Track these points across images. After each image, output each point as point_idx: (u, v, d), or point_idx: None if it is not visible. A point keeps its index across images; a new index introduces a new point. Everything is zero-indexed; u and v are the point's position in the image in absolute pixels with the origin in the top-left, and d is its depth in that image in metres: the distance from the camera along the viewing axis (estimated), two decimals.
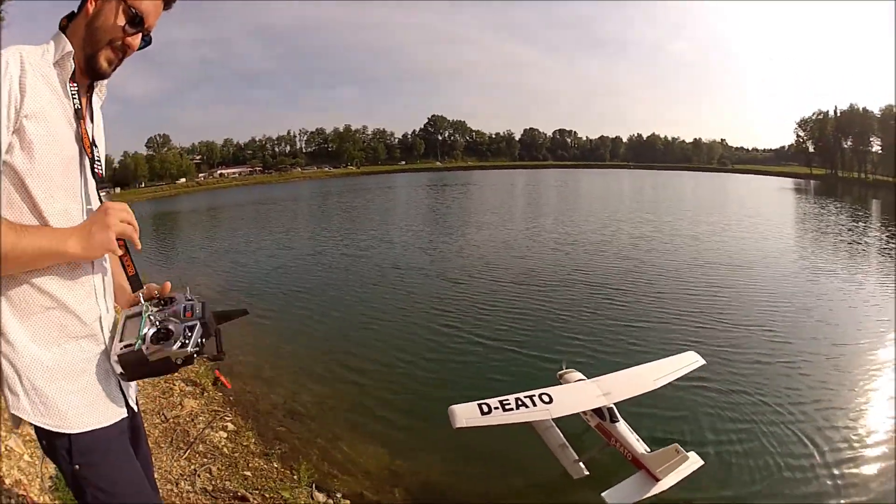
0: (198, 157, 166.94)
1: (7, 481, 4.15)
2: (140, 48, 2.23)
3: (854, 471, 7.49)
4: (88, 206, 2.18)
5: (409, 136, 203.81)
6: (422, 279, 18.68)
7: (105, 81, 2.36)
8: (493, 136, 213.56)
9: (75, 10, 2.15)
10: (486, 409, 6.66)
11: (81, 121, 2.13)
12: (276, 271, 21.24)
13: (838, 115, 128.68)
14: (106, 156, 2.51)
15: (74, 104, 2.11)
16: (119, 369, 2.10)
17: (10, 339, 1.97)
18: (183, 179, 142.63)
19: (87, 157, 2.17)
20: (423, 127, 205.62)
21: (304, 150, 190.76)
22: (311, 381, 10.50)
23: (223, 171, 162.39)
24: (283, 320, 14.58)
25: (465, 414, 6.60)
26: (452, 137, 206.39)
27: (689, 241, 25.68)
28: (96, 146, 2.24)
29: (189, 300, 2.19)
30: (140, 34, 2.17)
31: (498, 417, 6.62)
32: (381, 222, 36.47)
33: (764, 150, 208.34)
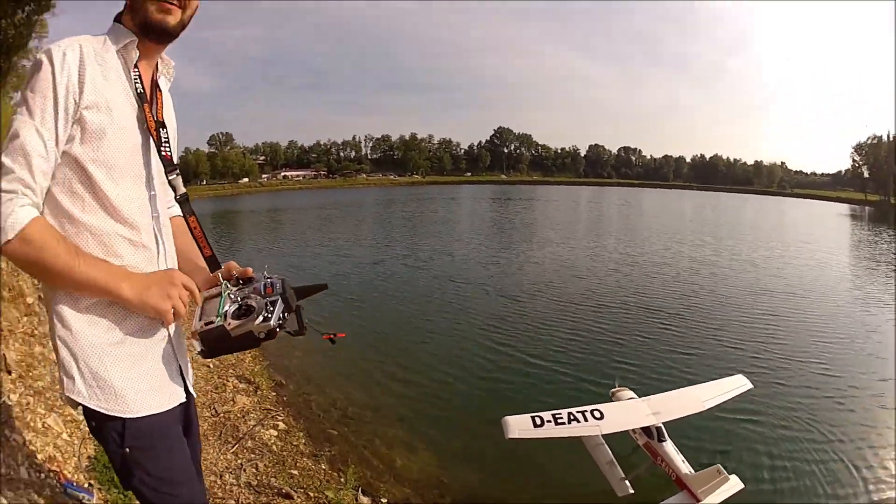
0: (261, 158, 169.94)
1: (40, 457, 4.18)
2: None
3: None
4: (152, 193, 2.17)
5: (475, 148, 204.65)
6: (480, 294, 18.49)
7: (172, 64, 2.34)
8: (559, 151, 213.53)
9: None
10: (538, 421, 6.69)
11: (146, 104, 2.11)
12: (334, 278, 21.27)
13: (892, 139, 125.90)
14: None
15: (137, 89, 2.09)
16: (199, 346, 2.10)
17: (68, 323, 1.96)
18: (245, 179, 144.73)
19: (153, 141, 2.13)
20: (489, 139, 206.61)
21: (369, 157, 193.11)
22: (365, 388, 10.51)
23: (287, 174, 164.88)
24: (340, 327, 14.55)
25: (519, 425, 6.65)
26: (518, 151, 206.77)
27: (747, 266, 25.12)
28: (164, 128, 2.19)
29: (268, 278, 2.18)
30: None
31: (550, 430, 6.64)
32: (442, 234, 36.29)
33: (822, 175, 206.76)
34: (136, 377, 2.06)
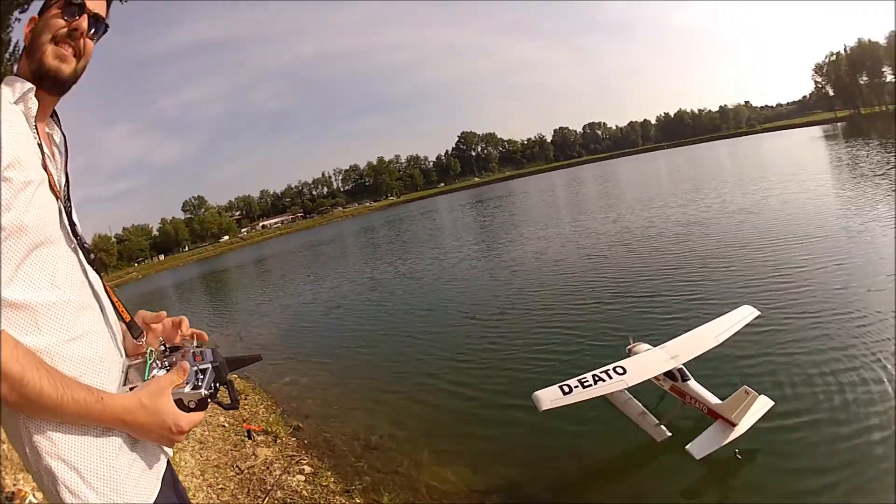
0: (237, 213, 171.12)
1: None
2: (100, 34, 1.98)
3: None
4: (72, 246, 1.85)
5: (444, 157, 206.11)
6: (465, 309, 17.25)
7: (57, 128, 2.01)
8: (525, 142, 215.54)
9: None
10: (566, 389, 6.93)
11: (46, 162, 1.80)
12: (322, 315, 21.16)
13: (849, 52, 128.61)
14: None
15: (42, 149, 1.79)
16: None
17: (48, 433, 1.60)
18: (226, 237, 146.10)
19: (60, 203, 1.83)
20: (454, 146, 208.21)
21: (342, 189, 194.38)
22: (382, 417, 10.35)
23: (265, 223, 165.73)
24: (342, 360, 14.58)
25: (549, 396, 6.88)
26: (486, 151, 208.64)
27: (743, 216, 23.14)
28: (69, 199, 1.94)
29: (198, 347, 2.01)
30: (85, 16, 1.88)
31: (579, 395, 6.87)
32: (419, 253, 34.97)
33: (788, 104, 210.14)
34: (133, 462, 1.79)
